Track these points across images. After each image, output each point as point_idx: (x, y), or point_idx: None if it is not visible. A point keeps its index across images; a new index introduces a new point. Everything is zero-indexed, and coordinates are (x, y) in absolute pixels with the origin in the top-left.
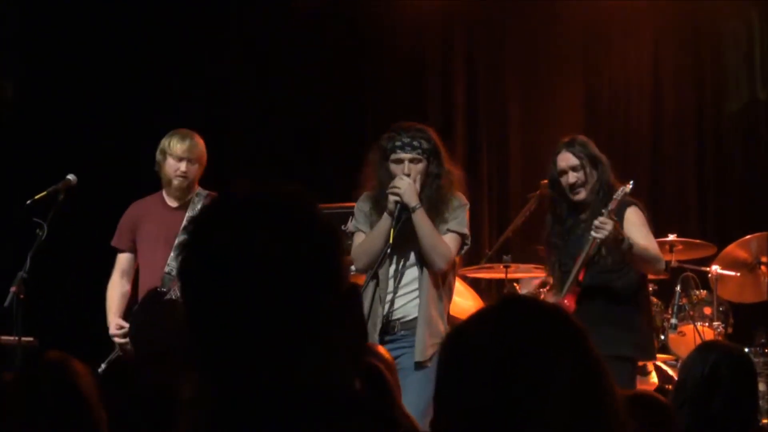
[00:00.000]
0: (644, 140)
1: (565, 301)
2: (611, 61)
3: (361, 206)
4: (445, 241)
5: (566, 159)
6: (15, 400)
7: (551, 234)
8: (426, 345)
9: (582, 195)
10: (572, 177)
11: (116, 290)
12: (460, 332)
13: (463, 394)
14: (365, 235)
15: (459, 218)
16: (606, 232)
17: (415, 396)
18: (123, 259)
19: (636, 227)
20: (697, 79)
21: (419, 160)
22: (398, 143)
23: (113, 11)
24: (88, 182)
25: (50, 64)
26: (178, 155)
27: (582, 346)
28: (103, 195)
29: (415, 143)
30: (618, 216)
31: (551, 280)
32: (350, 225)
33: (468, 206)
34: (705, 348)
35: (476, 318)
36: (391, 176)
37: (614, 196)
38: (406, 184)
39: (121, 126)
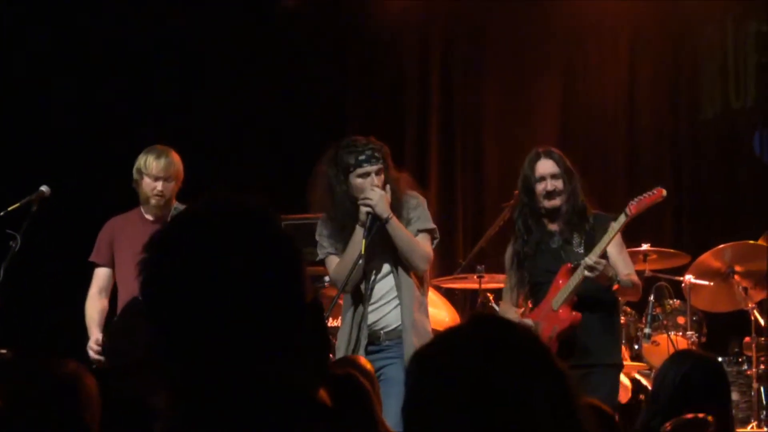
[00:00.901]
0: (620, 149)
1: (560, 312)
2: (587, 69)
3: (321, 232)
4: (420, 242)
5: (546, 166)
6: (22, 407)
7: (522, 243)
8: (416, 349)
9: (557, 202)
10: (551, 185)
11: (95, 306)
12: (432, 353)
13: (438, 416)
14: (337, 257)
15: (422, 216)
16: (598, 273)
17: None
18: (101, 275)
19: (618, 246)
20: (673, 89)
21: (382, 171)
22: (362, 157)
23: (88, 21)
24: (61, 194)
25: (25, 72)
26: (154, 174)
27: (553, 362)
28: (76, 207)
29: (376, 154)
30: (601, 228)
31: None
32: (318, 253)
33: (425, 201)
34: (677, 357)
35: (448, 339)
36: (351, 192)
37: (631, 203)
38: (378, 196)
39: (95, 137)
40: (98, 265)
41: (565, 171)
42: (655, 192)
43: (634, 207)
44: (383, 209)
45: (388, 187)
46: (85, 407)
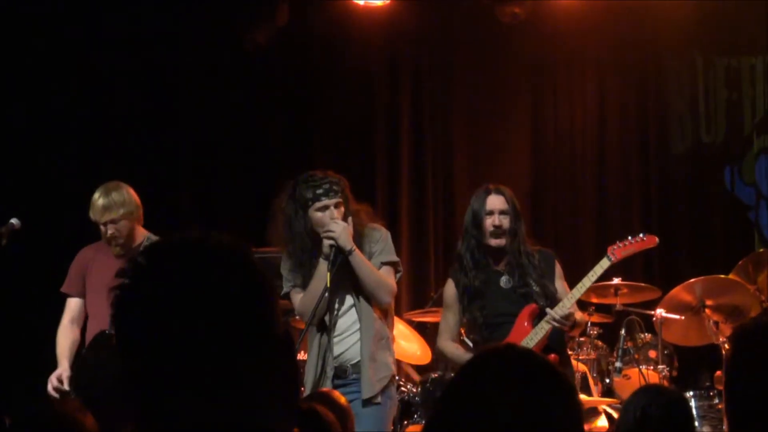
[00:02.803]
0: (590, 183)
1: None
2: (557, 104)
3: (284, 266)
4: (384, 274)
5: (496, 202)
6: None
7: (472, 277)
8: (372, 381)
9: (502, 242)
10: (498, 219)
11: (67, 337)
12: (463, 382)
13: None
14: (300, 291)
15: (385, 248)
16: (569, 324)
17: None
18: (73, 305)
19: (562, 283)
20: (643, 124)
21: (341, 204)
22: (320, 191)
23: (60, 50)
24: (32, 227)
25: None
26: (100, 222)
27: (575, 391)
28: (48, 239)
29: (335, 188)
30: (548, 266)
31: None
32: (283, 287)
33: (388, 234)
34: (639, 391)
35: (477, 367)
36: (310, 227)
37: (615, 247)
38: (341, 228)
39: (67, 169)
40: (70, 296)
41: (513, 210)
42: (645, 238)
43: (618, 252)
44: (346, 241)
45: (350, 219)
46: None
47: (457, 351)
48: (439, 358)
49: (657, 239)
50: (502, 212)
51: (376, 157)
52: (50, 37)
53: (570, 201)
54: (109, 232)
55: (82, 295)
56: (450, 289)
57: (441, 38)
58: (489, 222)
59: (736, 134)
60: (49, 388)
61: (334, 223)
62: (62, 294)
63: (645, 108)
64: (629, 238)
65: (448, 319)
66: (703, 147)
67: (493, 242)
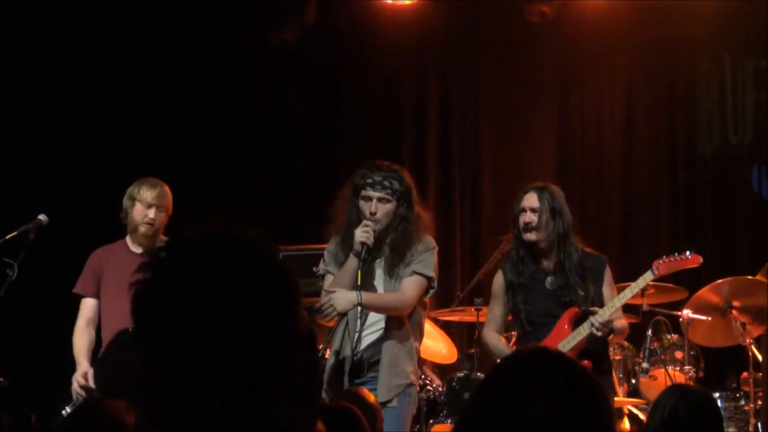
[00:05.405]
0: (617, 184)
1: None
2: (585, 105)
3: (330, 248)
4: (406, 283)
5: (530, 199)
6: None
7: (517, 273)
8: (389, 386)
9: (531, 236)
10: (527, 217)
11: (83, 338)
12: (497, 384)
13: None
14: (333, 277)
15: (425, 261)
16: (606, 332)
17: None
18: (88, 306)
19: (611, 290)
20: (670, 125)
21: (388, 200)
22: (369, 180)
23: (85, 51)
24: (59, 222)
25: (22, 103)
26: (147, 202)
27: (604, 397)
28: (74, 235)
29: (386, 183)
30: (597, 271)
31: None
32: (320, 267)
33: (436, 250)
34: (667, 391)
35: (511, 369)
36: (360, 212)
37: (659, 261)
38: (338, 298)
39: (93, 166)
40: (84, 296)
41: (551, 208)
42: (690, 257)
43: (663, 267)
44: (345, 306)
45: (373, 224)
46: None
47: (499, 344)
48: (481, 347)
49: (701, 259)
50: (533, 210)
51: (404, 154)
52: (82, 38)
53: (597, 200)
54: (150, 215)
55: (96, 295)
56: (498, 279)
57: (469, 35)
58: (521, 219)
59: (764, 135)
60: (75, 387)
61: (361, 227)
62: (75, 295)
63: (673, 108)
64: (675, 254)
65: (494, 310)
66: (731, 147)
67: (524, 236)
